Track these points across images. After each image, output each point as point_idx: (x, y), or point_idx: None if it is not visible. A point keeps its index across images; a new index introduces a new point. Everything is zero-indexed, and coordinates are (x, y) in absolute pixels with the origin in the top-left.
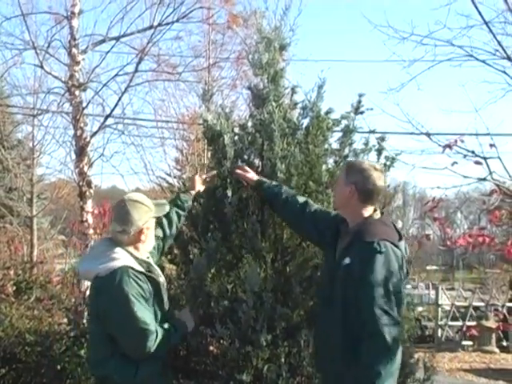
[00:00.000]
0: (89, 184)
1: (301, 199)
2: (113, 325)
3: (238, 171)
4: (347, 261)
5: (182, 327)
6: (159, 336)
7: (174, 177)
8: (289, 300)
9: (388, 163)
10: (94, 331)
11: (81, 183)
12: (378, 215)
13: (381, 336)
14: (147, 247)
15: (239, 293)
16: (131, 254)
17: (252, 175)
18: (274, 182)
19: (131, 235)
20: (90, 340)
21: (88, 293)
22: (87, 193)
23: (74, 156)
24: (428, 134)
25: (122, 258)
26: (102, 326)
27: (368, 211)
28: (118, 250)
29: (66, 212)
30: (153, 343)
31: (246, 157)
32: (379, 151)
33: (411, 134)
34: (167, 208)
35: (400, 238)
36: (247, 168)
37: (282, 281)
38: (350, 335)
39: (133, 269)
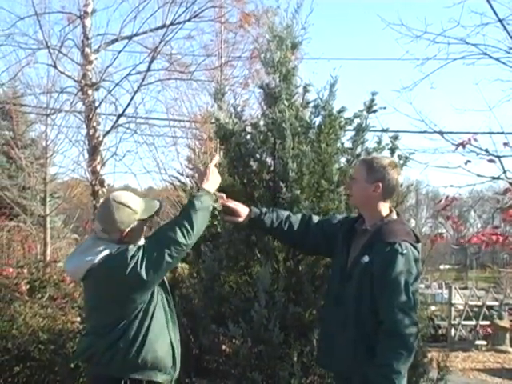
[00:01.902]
0: (101, 183)
1: (299, 215)
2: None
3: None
4: (366, 259)
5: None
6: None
7: (187, 176)
8: (301, 299)
9: (401, 162)
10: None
11: (93, 182)
12: (395, 215)
13: (400, 336)
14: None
15: (251, 292)
16: None
17: (243, 210)
18: (264, 209)
19: (113, 235)
20: (104, 333)
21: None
22: (100, 192)
23: (86, 155)
24: (441, 133)
25: (113, 246)
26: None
27: (386, 208)
28: (106, 245)
29: (78, 211)
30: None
31: (258, 156)
32: (392, 150)
33: (424, 132)
34: (156, 205)
35: (417, 240)
36: (235, 204)
37: (294, 280)
38: (362, 334)
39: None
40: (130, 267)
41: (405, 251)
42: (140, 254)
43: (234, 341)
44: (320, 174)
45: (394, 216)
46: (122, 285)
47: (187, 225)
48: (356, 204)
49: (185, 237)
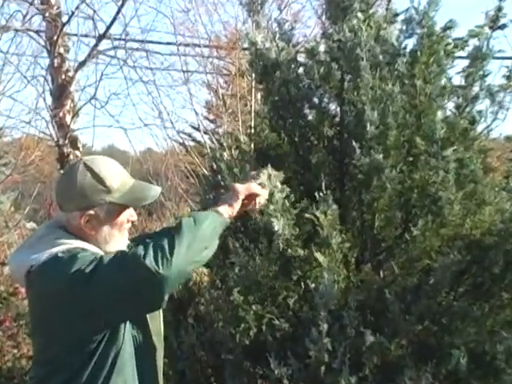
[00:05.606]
0: (74, 143)
1: None
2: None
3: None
4: None
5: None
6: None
7: (205, 132)
8: (384, 323)
9: None
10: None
11: (61, 141)
12: None
13: None
14: (105, 247)
15: (306, 311)
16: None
17: None
18: None
19: (70, 217)
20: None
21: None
22: (71, 156)
23: (50, 99)
24: None
25: (70, 243)
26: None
27: None
28: (60, 238)
29: (38, 186)
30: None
31: (316, 100)
32: None
33: None
34: (150, 194)
35: None
36: None
37: (374, 293)
38: None
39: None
40: (70, 287)
41: None
42: (89, 269)
43: None
44: (414, 128)
45: None
46: (57, 307)
47: (166, 247)
48: None
49: (157, 261)
